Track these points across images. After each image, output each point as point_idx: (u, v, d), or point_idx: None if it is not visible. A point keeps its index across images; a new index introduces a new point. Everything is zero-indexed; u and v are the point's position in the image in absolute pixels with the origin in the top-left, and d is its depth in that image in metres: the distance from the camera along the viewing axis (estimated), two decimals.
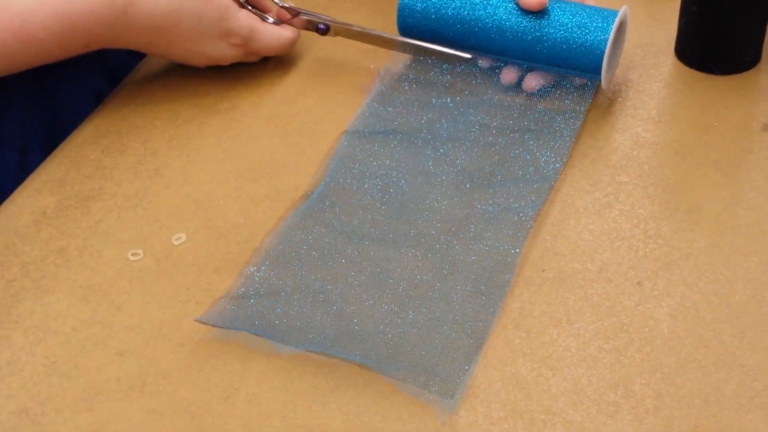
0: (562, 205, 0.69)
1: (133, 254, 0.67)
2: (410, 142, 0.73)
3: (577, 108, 0.75)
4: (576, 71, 0.75)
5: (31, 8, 0.69)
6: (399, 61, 0.80)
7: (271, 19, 0.81)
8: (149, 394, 0.59)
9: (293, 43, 0.81)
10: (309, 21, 0.81)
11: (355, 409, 0.58)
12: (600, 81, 0.75)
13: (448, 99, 0.76)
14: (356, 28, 0.80)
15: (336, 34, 0.81)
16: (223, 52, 0.78)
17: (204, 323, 0.61)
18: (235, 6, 0.77)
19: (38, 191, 0.72)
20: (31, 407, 0.58)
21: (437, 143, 0.73)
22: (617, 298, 0.64)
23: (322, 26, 0.80)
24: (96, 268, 0.66)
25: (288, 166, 0.73)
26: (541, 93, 0.76)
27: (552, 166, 0.71)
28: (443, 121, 0.75)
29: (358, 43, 0.81)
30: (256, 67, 0.81)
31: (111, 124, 0.77)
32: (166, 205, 0.71)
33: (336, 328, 0.61)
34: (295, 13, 0.81)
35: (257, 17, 0.79)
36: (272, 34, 0.79)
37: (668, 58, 0.82)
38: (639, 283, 0.65)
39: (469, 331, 0.61)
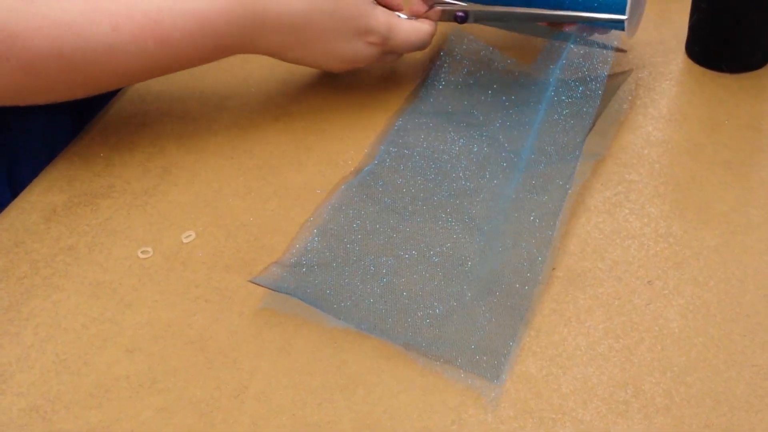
0: (572, 203, 0.69)
1: (142, 252, 0.67)
2: (462, 124, 0.74)
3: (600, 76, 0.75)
4: (599, 9, 0.74)
5: (160, 7, 0.67)
6: (455, 44, 0.79)
7: (404, 16, 0.77)
8: (158, 391, 0.59)
9: (432, 36, 0.77)
10: (444, 11, 0.77)
11: (364, 407, 0.58)
12: (623, 27, 0.73)
13: (500, 82, 0.77)
14: (500, 9, 0.76)
15: (476, 20, 0.77)
16: (361, 52, 0.74)
17: (258, 284, 0.62)
18: (371, 2, 0.74)
19: (48, 189, 0.72)
20: (41, 404, 0.58)
21: (488, 127, 0.74)
22: (627, 296, 0.64)
23: (460, 14, 0.76)
24: (105, 266, 0.66)
25: (296, 164, 0.73)
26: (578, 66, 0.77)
27: (579, 142, 0.72)
28: (495, 104, 0.76)
29: None
30: (265, 64, 0.81)
31: (120, 122, 0.77)
32: (176, 202, 0.71)
33: (386, 302, 0.62)
34: (431, 3, 0.77)
35: (393, 13, 0.76)
36: (411, 29, 0.75)
37: (678, 57, 0.82)
38: (649, 281, 0.64)
39: (511, 308, 0.61)
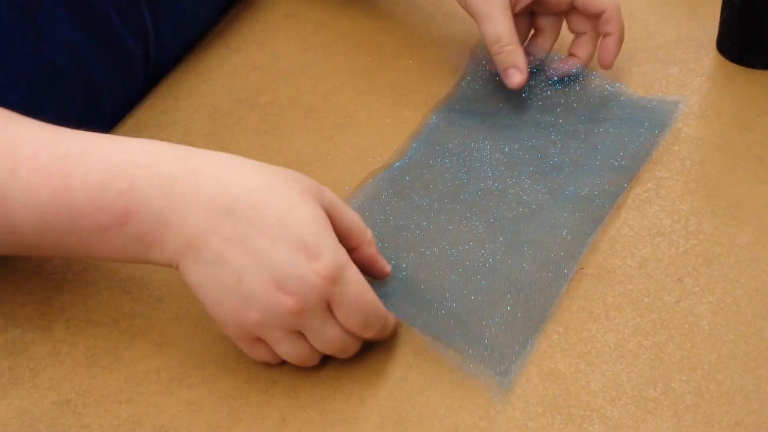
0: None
1: None
2: (495, 125, 0.74)
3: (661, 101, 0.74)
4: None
5: (81, 150, 0.56)
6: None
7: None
8: (188, 385, 0.59)
9: (390, 323, 0.59)
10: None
11: (392, 403, 0.58)
12: None
13: (537, 84, 0.76)
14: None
15: None
16: (300, 276, 0.54)
17: None
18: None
19: None
20: (72, 398, 0.59)
21: (520, 129, 0.74)
22: (657, 294, 0.63)
23: None
24: None
25: (324, 160, 0.74)
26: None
27: (632, 158, 0.71)
28: (528, 107, 0.75)
29: (396, 40, 0.81)
30: (294, 61, 0.81)
31: (150, 118, 0.78)
32: None
33: (403, 290, 0.62)
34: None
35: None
36: (367, 285, 0.56)
37: (710, 53, 0.81)
38: (679, 279, 0.64)
39: (530, 310, 0.61)
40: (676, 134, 0.74)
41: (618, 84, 0.76)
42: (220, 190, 0.54)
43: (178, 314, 0.63)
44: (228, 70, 0.81)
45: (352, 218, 0.58)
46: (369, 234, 0.59)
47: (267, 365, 0.59)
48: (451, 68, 0.80)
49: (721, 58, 0.81)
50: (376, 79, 0.80)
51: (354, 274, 0.55)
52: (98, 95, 0.75)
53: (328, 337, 0.56)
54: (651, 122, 0.73)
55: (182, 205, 0.54)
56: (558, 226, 0.66)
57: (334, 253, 0.54)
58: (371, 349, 0.60)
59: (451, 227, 0.66)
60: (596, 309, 0.62)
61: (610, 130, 0.73)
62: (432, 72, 0.81)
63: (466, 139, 0.73)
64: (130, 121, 0.78)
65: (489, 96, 0.76)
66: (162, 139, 0.75)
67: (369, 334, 0.57)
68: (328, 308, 0.55)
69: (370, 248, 0.59)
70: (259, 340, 0.57)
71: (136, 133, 0.76)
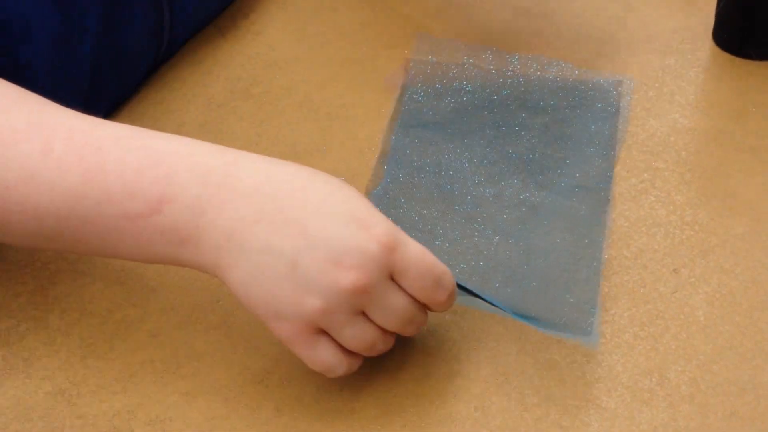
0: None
1: None
2: (458, 132, 0.73)
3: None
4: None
5: (117, 136, 0.55)
6: (424, 51, 0.79)
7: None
8: (183, 376, 0.59)
9: (451, 283, 0.55)
10: None
11: (387, 393, 0.58)
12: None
13: (483, 85, 0.76)
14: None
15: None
16: (360, 247, 0.51)
17: None
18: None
19: None
20: (67, 388, 0.59)
21: (484, 131, 0.73)
22: (653, 285, 0.63)
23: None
24: None
25: (320, 150, 0.73)
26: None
27: (606, 144, 0.71)
28: (485, 108, 0.74)
29: (392, 29, 0.81)
30: (289, 51, 0.81)
31: (145, 108, 0.77)
32: None
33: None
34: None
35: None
36: (424, 249, 0.53)
37: (706, 43, 0.81)
38: (675, 270, 0.64)
39: (582, 276, 0.61)
40: (672, 125, 0.74)
41: (557, 64, 0.76)
42: (261, 178, 0.52)
43: (173, 305, 0.63)
44: (223, 60, 0.81)
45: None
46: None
47: (261, 357, 0.59)
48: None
49: (717, 49, 0.80)
50: (371, 69, 0.80)
51: (409, 239, 0.52)
52: (100, 89, 0.75)
53: (395, 309, 0.53)
54: (604, 104, 0.73)
55: (222, 194, 0.51)
56: (570, 213, 0.66)
57: (386, 222, 0.52)
58: None
59: (465, 241, 0.65)
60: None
61: (570, 116, 0.73)
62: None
63: (438, 151, 0.71)
64: (124, 112, 0.77)
65: (436, 104, 0.75)
66: (157, 129, 0.75)
67: (442, 296, 0.54)
68: (391, 279, 0.52)
69: None
70: (320, 335, 0.53)
71: (129, 122, 0.76)
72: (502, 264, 0.64)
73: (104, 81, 0.73)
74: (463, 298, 0.58)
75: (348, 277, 0.50)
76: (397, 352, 0.59)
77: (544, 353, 0.59)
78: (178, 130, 0.75)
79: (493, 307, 0.58)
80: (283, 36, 0.83)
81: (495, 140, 0.72)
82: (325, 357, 0.54)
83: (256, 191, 0.51)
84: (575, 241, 0.64)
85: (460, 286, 0.57)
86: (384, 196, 0.69)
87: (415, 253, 0.52)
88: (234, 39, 0.83)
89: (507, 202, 0.68)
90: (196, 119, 0.76)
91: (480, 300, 0.58)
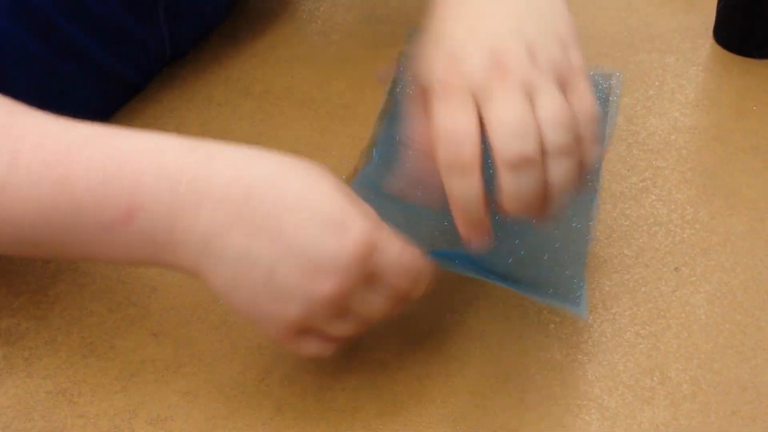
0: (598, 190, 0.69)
1: None
2: None
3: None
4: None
5: (85, 137, 0.53)
6: (415, 44, 0.78)
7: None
8: (184, 375, 0.59)
9: (428, 276, 0.55)
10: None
11: (388, 392, 0.58)
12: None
13: None
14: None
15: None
16: (333, 257, 0.50)
17: None
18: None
19: None
20: (68, 388, 0.59)
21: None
22: (654, 283, 0.63)
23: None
24: None
25: (321, 150, 0.73)
26: None
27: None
28: None
29: (392, 29, 0.81)
30: (290, 50, 0.81)
31: (145, 107, 0.77)
32: None
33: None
34: None
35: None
36: (404, 247, 0.53)
37: (706, 42, 0.81)
38: (676, 268, 0.64)
39: (571, 249, 0.60)
40: (673, 123, 0.74)
41: None
42: (234, 178, 0.50)
43: (173, 304, 0.63)
44: (223, 59, 0.81)
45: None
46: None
47: (262, 356, 0.59)
48: None
49: (718, 48, 0.80)
50: (371, 68, 0.80)
51: (387, 236, 0.51)
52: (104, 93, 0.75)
53: (375, 306, 0.52)
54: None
55: (193, 199, 0.50)
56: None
57: (362, 222, 0.50)
58: (366, 339, 0.60)
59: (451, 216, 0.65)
60: (593, 298, 0.62)
61: None
62: None
63: None
64: (124, 110, 0.77)
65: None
66: (156, 129, 0.75)
67: (419, 291, 0.53)
68: (370, 278, 0.51)
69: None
70: (305, 333, 0.53)
71: (130, 122, 0.76)
72: (493, 236, 0.63)
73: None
74: (449, 263, 0.57)
75: (325, 286, 0.50)
76: (397, 351, 0.59)
77: (545, 352, 0.59)
78: (178, 128, 0.75)
79: (482, 275, 0.57)
80: (283, 35, 0.83)
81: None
82: (312, 349, 0.54)
83: (228, 194, 0.50)
84: (564, 222, 0.62)
85: (445, 258, 0.56)
86: (374, 173, 0.68)
87: (392, 254, 0.51)
88: (234, 38, 0.83)
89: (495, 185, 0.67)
90: (196, 118, 0.76)
91: (469, 269, 0.57)
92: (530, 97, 0.51)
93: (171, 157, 0.51)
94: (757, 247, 0.65)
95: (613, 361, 0.59)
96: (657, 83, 0.77)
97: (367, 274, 0.51)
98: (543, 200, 0.52)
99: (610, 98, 0.73)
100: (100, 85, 0.72)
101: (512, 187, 0.51)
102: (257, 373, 0.59)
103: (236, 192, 0.50)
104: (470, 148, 0.51)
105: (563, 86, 0.52)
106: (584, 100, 0.53)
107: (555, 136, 0.51)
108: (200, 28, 0.80)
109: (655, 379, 0.58)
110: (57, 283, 0.64)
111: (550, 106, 0.51)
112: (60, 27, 0.66)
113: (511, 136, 0.50)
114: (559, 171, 0.51)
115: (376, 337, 0.60)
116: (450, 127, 0.51)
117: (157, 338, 0.61)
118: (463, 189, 0.51)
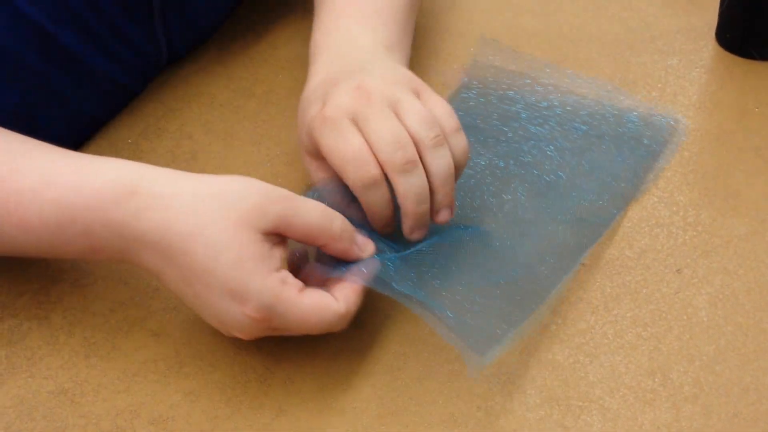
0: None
1: None
2: (489, 139, 0.72)
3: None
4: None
5: (32, 188, 0.57)
6: (486, 55, 0.78)
7: (343, 269, 0.58)
8: (186, 375, 0.59)
9: (345, 319, 0.57)
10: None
11: (389, 393, 0.58)
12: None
13: (536, 99, 0.74)
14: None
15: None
16: (237, 321, 0.56)
17: None
18: (271, 260, 0.55)
19: None
20: (70, 388, 0.59)
21: (517, 143, 0.72)
22: (656, 285, 0.63)
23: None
24: None
25: None
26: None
27: (631, 180, 0.69)
28: (523, 120, 0.73)
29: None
30: (292, 51, 0.81)
31: (148, 108, 0.77)
32: None
33: (397, 262, 0.60)
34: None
35: (295, 285, 0.56)
36: (310, 306, 0.56)
37: (709, 44, 0.81)
38: (678, 270, 0.64)
39: (520, 300, 0.60)
40: (674, 125, 0.74)
41: (617, 91, 0.75)
42: (158, 235, 0.56)
43: (175, 304, 0.63)
44: (226, 60, 0.81)
45: (311, 220, 0.56)
46: (336, 226, 0.57)
47: (263, 356, 0.59)
48: (448, 64, 0.80)
49: (720, 49, 0.80)
50: None
51: (288, 305, 0.55)
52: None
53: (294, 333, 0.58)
54: (651, 140, 0.71)
55: (135, 245, 0.57)
56: (550, 245, 0.65)
57: (259, 295, 0.55)
58: (368, 340, 0.60)
59: (444, 238, 0.64)
60: (595, 300, 0.62)
61: (609, 147, 0.71)
62: (429, 64, 0.80)
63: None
64: (127, 111, 0.77)
65: (485, 110, 0.74)
66: (159, 129, 0.76)
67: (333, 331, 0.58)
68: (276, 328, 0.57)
69: (340, 242, 0.57)
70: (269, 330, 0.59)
71: (133, 123, 0.76)
72: (470, 252, 0.63)
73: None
74: (381, 285, 0.59)
75: (240, 334, 0.57)
76: (399, 352, 0.59)
77: (546, 353, 0.59)
78: (181, 129, 0.75)
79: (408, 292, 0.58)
80: (285, 36, 0.83)
81: (522, 155, 0.71)
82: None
83: (157, 246, 0.56)
84: (540, 271, 0.63)
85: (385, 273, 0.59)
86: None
87: (292, 321, 0.56)
88: (236, 38, 0.83)
89: (504, 215, 0.67)
90: (198, 118, 0.76)
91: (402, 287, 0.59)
92: (395, 110, 0.60)
93: (112, 212, 0.56)
94: (759, 249, 0.65)
95: (614, 363, 0.59)
96: (659, 85, 0.77)
97: (270, 329, 0.57)
98: (433, 193, 0.60)
99: (669, 146, 0.71)
100: (96, 90, 0.73)
101: (406, 187, 0.59)
102: (259, 374, 0.59)
103: (161, 247, 0.56)
104: (374, 163, 0.59)
105: (418, 96, 0.62)
106: (437, 101, 0.63)
107: (425, 134, 0.60)
108: (197, 33, 0.80)
109: (656, 380, 0.58)
110: (59, 283, 0.64)
111: (414, 111, 0.60)
112: (53, 34, 0.67)
113: (393, 148, 0.59)
114: (438, 161, 0.60)
115: (376, 338, 0.60)
116: (350, 150, 0.59)
117: (158, 338, 0.61)
118: (377, 197, 0.60)
